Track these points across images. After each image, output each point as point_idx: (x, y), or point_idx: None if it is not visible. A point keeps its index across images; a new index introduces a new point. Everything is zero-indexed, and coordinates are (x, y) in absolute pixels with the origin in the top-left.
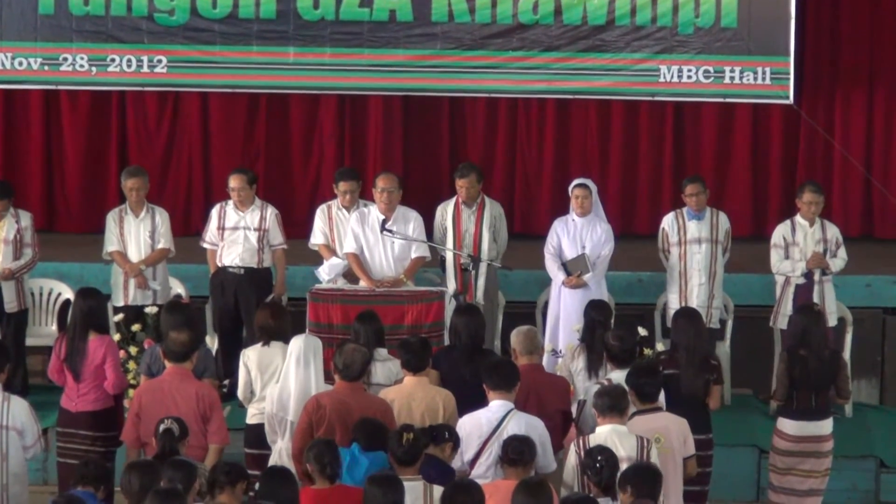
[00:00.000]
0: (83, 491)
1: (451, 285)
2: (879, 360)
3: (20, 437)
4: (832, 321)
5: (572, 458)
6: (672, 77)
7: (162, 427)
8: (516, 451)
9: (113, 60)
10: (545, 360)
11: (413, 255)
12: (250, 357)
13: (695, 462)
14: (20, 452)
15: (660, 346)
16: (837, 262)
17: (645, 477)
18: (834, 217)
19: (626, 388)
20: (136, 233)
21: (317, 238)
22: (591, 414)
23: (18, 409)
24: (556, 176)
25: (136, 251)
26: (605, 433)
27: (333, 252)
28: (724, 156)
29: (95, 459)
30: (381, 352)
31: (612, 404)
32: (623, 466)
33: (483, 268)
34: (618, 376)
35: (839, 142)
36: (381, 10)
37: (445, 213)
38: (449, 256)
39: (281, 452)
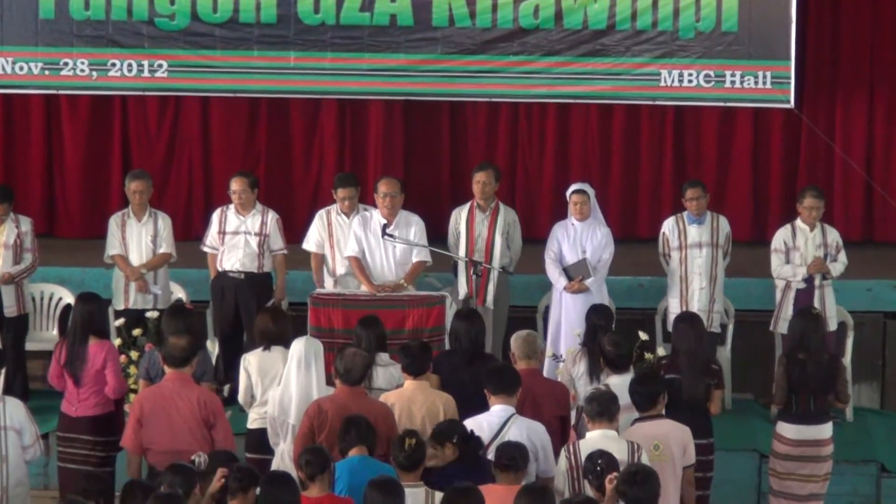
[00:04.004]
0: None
1: (462, 290)
2: (880, 365)
3: (19, 436)
4: (833, 325)
5: (563, 464)
6: (673, 81)
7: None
8: (508, 457)
9: (114, 65)
10: (546, 365)
11: (414, 260)
12: (251, 362)
13: (692, 471)
14: (20, 454)
15: (661, 351)
16: (838, 266)
17: (641, 480)
18: (835, 221)
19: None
20: (137, 237)
21: (309, 245)
22: None
23: (15, 409)
24: (557, 180)
25: (138, 255)
26: (596, 438)
27: (323, 262)
28: (724, 160)
29: (99, 474)
30: (383, 356)
31: (601, 409)
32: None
33: (494, 274)
34: (615, 381)
35: (840, 146)
36: (382, 15)
37: (459, 217)
38: (461, 261)
39: (283, 455)
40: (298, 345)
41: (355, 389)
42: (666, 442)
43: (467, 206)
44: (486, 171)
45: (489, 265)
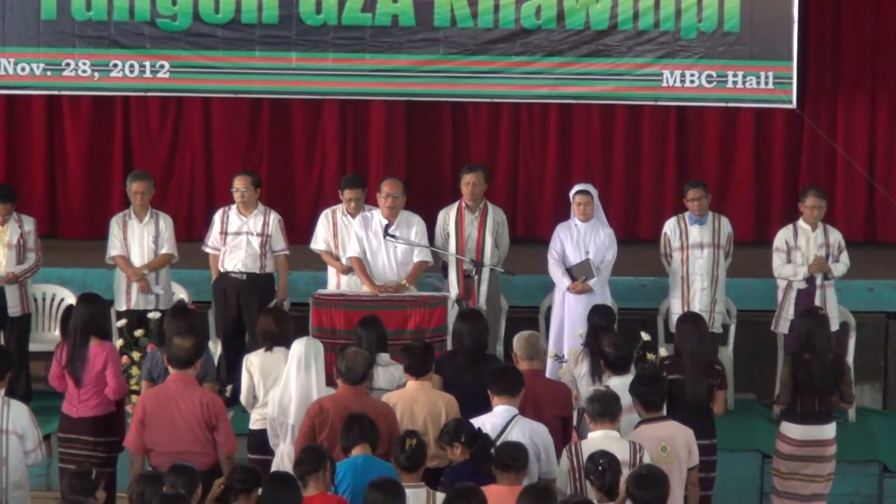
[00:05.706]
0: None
1: (454, 291)
2: (882, 365)
3: (21, 441)
4: (834, 326)
5: (565, 465)
6: (675, 82)
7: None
8: (509, 457)
9: (115, 66)
10: (549, 366)
11: (415, 260)
12: (253, 362)
13: (697, 473)
14: (21, 457)
15: (663, 352)
16: (840, 267)
17: (650, 482)
18: (837, 221)
19: (629, 395)
20: (139, 237)
21: (318, 244)
22: None
23: (18, 414)
24: (559, 181)
25: (140, 256)
26: (598, 439)
27: (335, 258)
28: (726, 160)
29: (84, 472)
30: (384, 357)
31: (603, 410)
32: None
33: (486, 273)
34: (616, 383)
35: (842, 146)
36: (384, 16)
37: (448, 218)
38: (451, 262)
39: (283, 456)
40: (298, 345)
41: (357, 389)
42: (673, 443)
43: (455, 206)
44: (476, 173)
45: (492, 266)
